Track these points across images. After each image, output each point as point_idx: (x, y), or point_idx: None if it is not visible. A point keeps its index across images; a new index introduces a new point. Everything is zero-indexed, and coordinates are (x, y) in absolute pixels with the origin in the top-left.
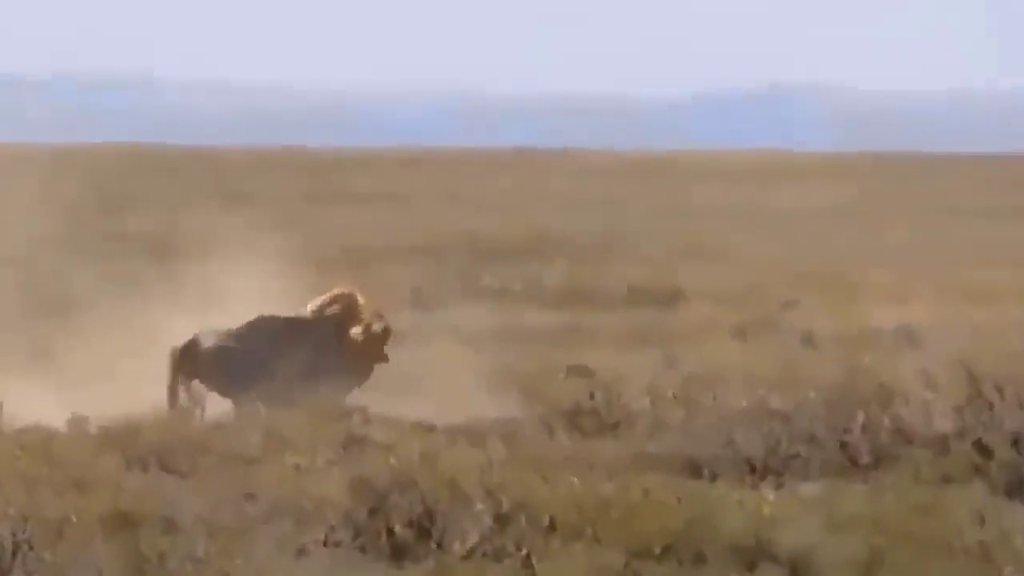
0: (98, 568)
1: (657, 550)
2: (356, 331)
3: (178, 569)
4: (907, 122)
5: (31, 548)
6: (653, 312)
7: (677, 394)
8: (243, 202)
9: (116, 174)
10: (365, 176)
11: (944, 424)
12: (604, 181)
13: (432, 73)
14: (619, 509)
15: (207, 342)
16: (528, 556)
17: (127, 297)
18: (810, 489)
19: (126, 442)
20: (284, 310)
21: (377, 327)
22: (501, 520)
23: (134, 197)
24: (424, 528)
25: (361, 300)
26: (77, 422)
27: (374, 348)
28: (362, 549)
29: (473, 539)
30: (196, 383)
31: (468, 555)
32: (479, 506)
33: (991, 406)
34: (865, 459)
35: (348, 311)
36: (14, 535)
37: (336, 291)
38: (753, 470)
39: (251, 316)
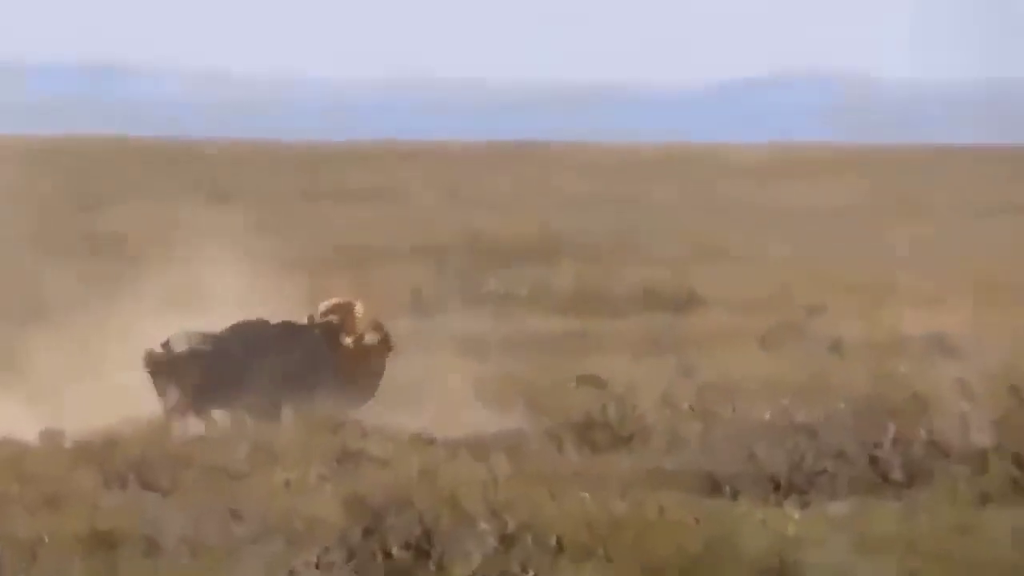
0: None
1: (673, 573)
2: (348, 341)
3: None
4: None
5: (1, 571)
6: (668, 317)
7: (694, 405)
8: (229, 199)
9: (91, 168)
10: (360, 171)
11: (982, 438)
12: (615, 176)
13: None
14: (632, 529)
15: (180, 346)
16: None
17: (104, 300)
18: (838, 508)
19: (103, 456)
20: (273, 315)
21: (371, 338)
22: (506, 540)
23: (111, 193)
24: (423, 549)
25: (359, 309)
26: (50, 435)
27: (370, 361)
28: (356, 572)
29: (476, 561)
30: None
31: None
32: (482, 525)
33: None
34: (897, 475)
35: (343, 320)
36: None
37: (336, 300)
38: (777, 487)
39: (236, 321)
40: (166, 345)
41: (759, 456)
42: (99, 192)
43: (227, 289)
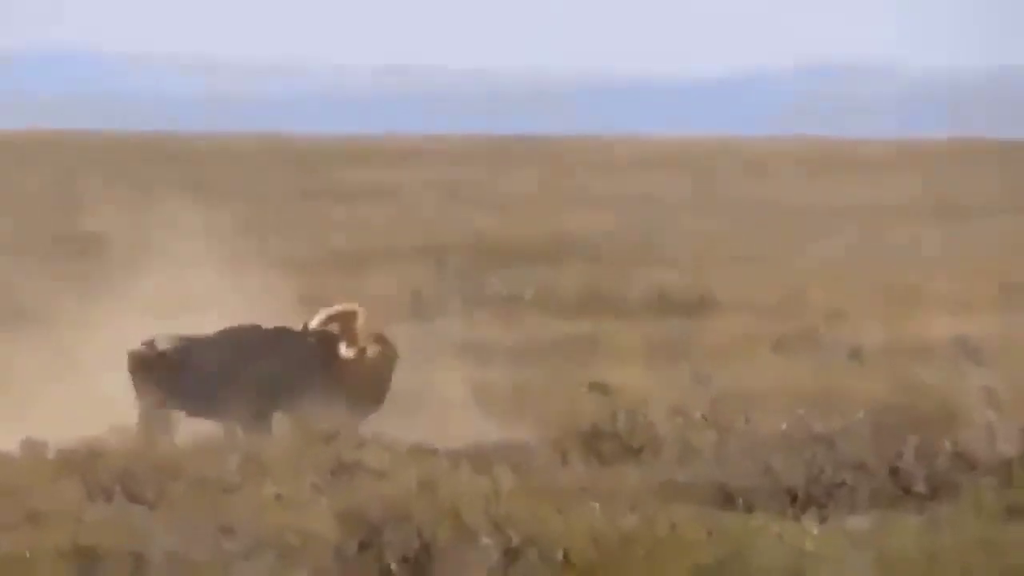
0: None
1: None
2: (347, 352)
3: None
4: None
5: None
6: (681, 322)
7: (708, 415)
8: (218, 197)
9: (71, 165)
10: (357, 168)
11: (1009, 448)
12: (625, 173)
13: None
14: (643, 544)
15: (164, 347)
16: None
17: (86, 304)
18: (858, 522)
19: (87, 467)
20: (265, 320)
21: (374, 350)
22: (509, 556)
23: (92, 191)
24: (422, 565)
25: (362, 319)
26: (31, 446)
27: (372, 375)
28: None
29: None
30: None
31: None
32: (484, 540)
33: None
34: (920, 488)
35: (344, 330)
36: None
37: (337, 308)
38: (794, 500)
39: (226, 326)
40: (149, 345)
41: (775, 468)
42: (78, 190)
43: (216, 292)
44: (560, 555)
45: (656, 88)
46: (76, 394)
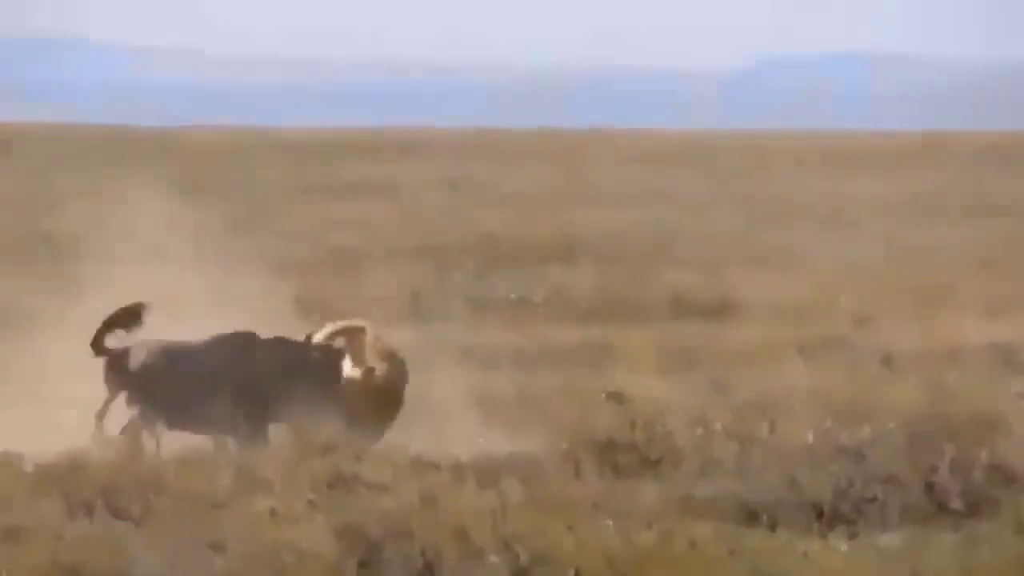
0: None
1: None
2: (354, 371)
3: None
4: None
5: None
6: (701, 327)
7: (729, 426)
8: (206, 194)
9: (47, 160)
10: (354, 162)
11: None
12: (641, 168)
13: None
14: (660, 563)
15: (140, 353)
16: None
17: (64, 308)
18: (889, 539)
19: (67, 482)
20: (257, 324)
21: (382, 371)
22: (517, 575)
23: (70, 188)
24: None
25: (370, 335)
26: (7, 459)
27: (381, 398)
28: None
29: None
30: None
31: None
32: (491, 559)
33: None
34: (955, 503)
35: (352, 346)
36: None
37: (344, 323)
38: (820, 516)
39: (217, 332)
40: (125, 351)
41: (801, 482)
42: (55, 187)
43: (206, 295)
44: (572, 575)
45: (670, 79)
46: (55, 403)
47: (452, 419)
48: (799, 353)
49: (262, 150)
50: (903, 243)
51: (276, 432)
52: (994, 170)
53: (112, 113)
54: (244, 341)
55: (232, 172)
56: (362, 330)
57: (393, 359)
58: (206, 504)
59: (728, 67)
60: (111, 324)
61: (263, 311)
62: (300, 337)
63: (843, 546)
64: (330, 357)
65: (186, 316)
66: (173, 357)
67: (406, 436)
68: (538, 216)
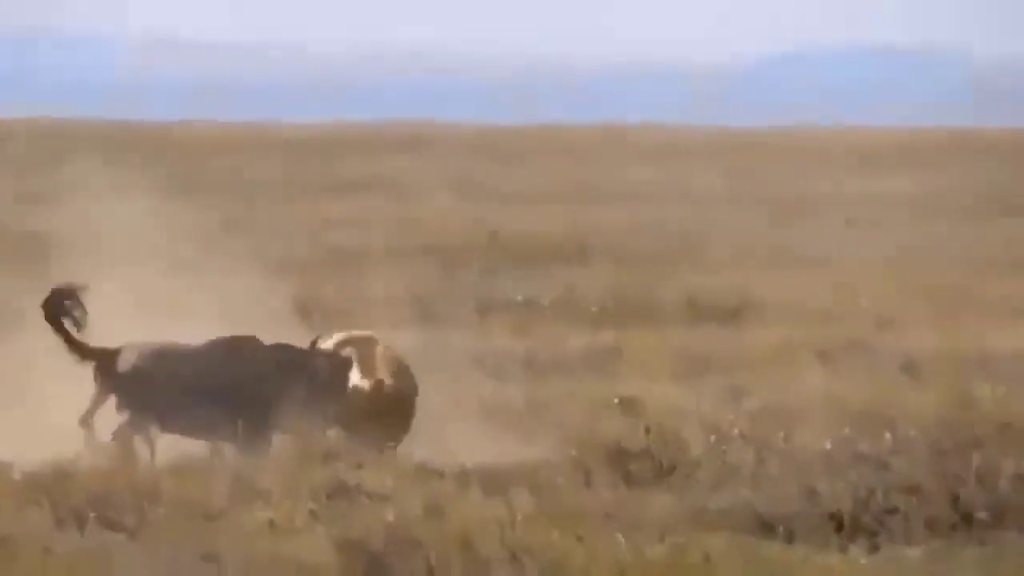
0: None
1: None
2: (362, 382)
3: None
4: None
5: None
6: (716, 331)
7: (746, 433)
8: (200, 191)
9: (33, 156)
10: (354, 158)
11: None
12: (656, 165)
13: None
14: (673, 575)
15: (130, 355)
16: None
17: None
18: (912, 553)
19: (56, 491)
20: (253, 328)
21: (391, 384)
22: None
23: (53, 186)
24: None
25: (380, 346)
26: None
27: (390, 412)
28: None
29: None
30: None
31: None
32: (498, 571)
33: None
34: (982, 515)
35: (362, 357)
36: None
37: (354, 332)
38: (840, 528)
39: (214, 335)
40: (114, 354)
41: (820, 492)
42: (40, 184)
43: (200, 297)
44: None
45: (686, 72)
46: (44, 408)
47: (457, 426)
48: (818, 357)
49: (259, 146)
50: (927, 243)
51: (275, 440)
52: (1020, 168)
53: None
54: (245, 345)
55: (228, 169)
56: (372, 341)
57: (402, 371)
58: (202, 514)
59: (746, 60)
60: (52, 319)
61: (260, 313)
62: (303, 342)
63: (863, 560)
64: (336, 365)
65: (181, 318)
66: (168, 359)
67: (410, 443)
68: (547, 215)
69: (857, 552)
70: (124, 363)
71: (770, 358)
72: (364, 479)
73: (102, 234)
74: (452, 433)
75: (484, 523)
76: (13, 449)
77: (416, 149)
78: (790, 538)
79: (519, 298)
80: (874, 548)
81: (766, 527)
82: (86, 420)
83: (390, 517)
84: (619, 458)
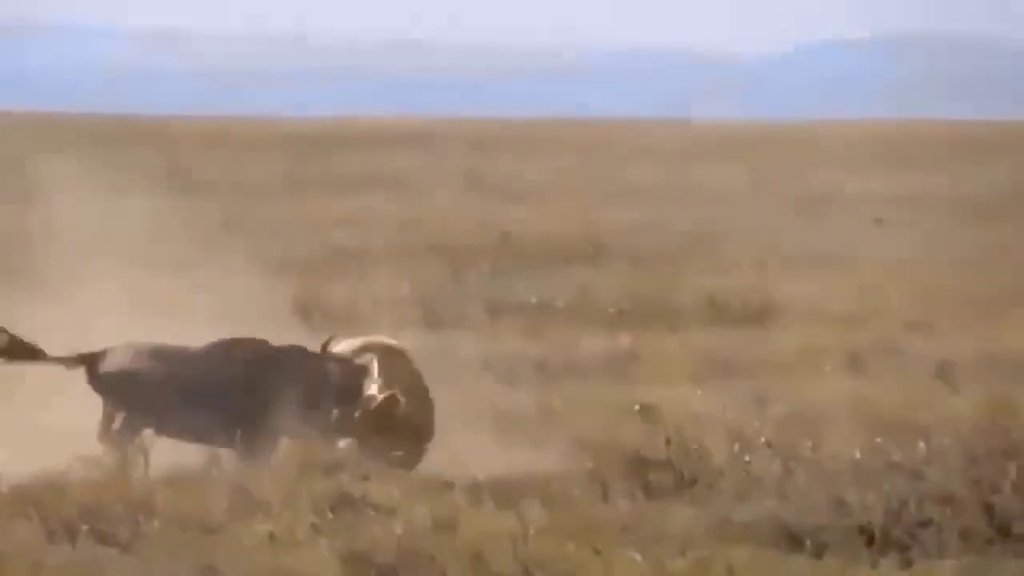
0: None
1: None
2: (377, 395)
3: None
4: None
5: None
6: (739, 333)
7: (771, 441)
8: (197, 188)
9: (27, 151)
10: (359, 155)
11: None
12: (675, 161)
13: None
14: None
15: (116, 356)
16: None
17: (43, 312)
18: (946, 567)
19: (47, 504)
20: (253, 331)
21: (406, 399)
22: None
23: (51, 181)
24: None
25: (405, 358)
26: None
27: (402, 429)
28: None
29: None
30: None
31: None
32: None
33: None
34: (1019, 527)
35: (383, 366)
36: None
37: (373, 338)
38: (871, 541)
39: (210, 336)
40: (99, 355)
41: (849, 503)
42: (29, 181)
43: (195, 298)
44: None
45: (706, 64)
46: (32, 417)
47: (467, 435)
48: (846, 361)
49: (258, 140)
50: (960, 241)
51: (280, 448)
52: None
53: (95, 101)
54: (249, 347)
55: (227, 165)
56: (395, 350)
57: (420, 389)
58: (199, 527)
59: (767, 50)
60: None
61: (260, 315)
62: (304, 345)
63: (895, 574)
64: (349, 372)
65: (178, 319)
66: (163, 360)
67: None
68: (560, 213)
69: (888, 566)
70: (110, 364)
71: (796, 362)
72: (370, 491)
73: (96, 233)
74: (461, 442)
75: (496, 537)
76: (1, 460)
77: (423, 144)
78: (818, 552)
79: (531, 300)
80: (906, 563)
81: (793, 540)
82: (102, 436)
83: (398, 530)
84: (638, 468)
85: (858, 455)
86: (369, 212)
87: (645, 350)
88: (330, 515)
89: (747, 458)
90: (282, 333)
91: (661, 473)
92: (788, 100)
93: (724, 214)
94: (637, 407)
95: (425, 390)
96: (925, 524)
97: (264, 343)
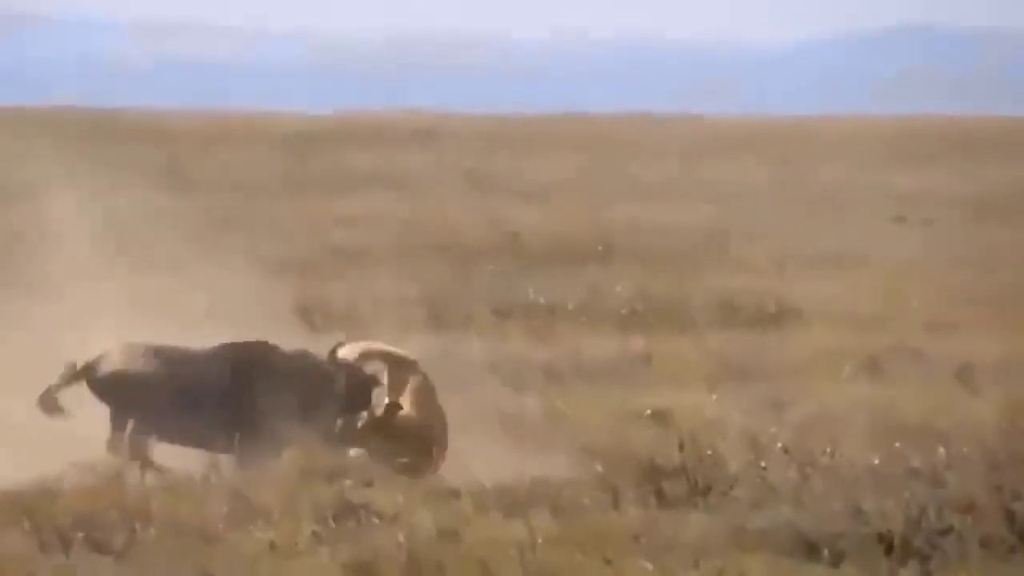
0: None
1: None
2: (380, 405)
3: None
4: None
5: None
6: (755, 336)
7: (787, 447)
8: (193, 185)
9: (15, 147)
10: (361, 152)
11: None
12: (688, 158)
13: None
14: None
15: (112, 359)
16: None
17: (35, 315)
18: None
19: (40, 511)
20: (253, 332)
21: (411, 412)
22: None
23: (42, 178)
24: None
25: (416, 371)
26: None
27: (409, 443)
28: None
29: None
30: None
31: None
32: None
33: None
34: None
35: (392, 377)
36: None
37: (381, 347)
38: (890, 550)
39: (209, 342)
40: (95, 360)
41: (867, 511)
42: (18, 178)
43: (192, 300)
44: None
45: (721, 57)
46: (25, 421)
47: (473, 440)
48: (865, 365)
49: (257, 137)
50: (982, 241)
51: (283, 454)
52: None
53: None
54: (253, 350)
55: (226, 162)
56: (406, 361)
57: (430, 404)
58: (197, 535)
59: (783, 43)
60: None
61: (259, 315)
62: (304, 346)
63: None
64: (357, 381)
65: (176, 319)
66: (162, 362)
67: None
68: (569, 211)
69: (908, 575)
70: (107, 367)
71: (813, 365)
72: (373, 498)
73: (93, 232)
74: (467, 448)
75: (502, 546)
76: None
77: (427, 140)
78: (836, 561)
79: (540, 301)
80: (927, 572)
81: (810, 549)
82: (113, 447)
83: (401, 539)
84: (650, 475)
85: (877, 461)
86: (372, 210)
87: (657, 353)
88: (332, 523)
89: (763, 464)
90: (282, 334)
91: (674, 480)
92: (800, 95)
93: (738, 212)
94: (649, 412)
95: (437, 405)
96: (945, 532)
97: (268, 346)
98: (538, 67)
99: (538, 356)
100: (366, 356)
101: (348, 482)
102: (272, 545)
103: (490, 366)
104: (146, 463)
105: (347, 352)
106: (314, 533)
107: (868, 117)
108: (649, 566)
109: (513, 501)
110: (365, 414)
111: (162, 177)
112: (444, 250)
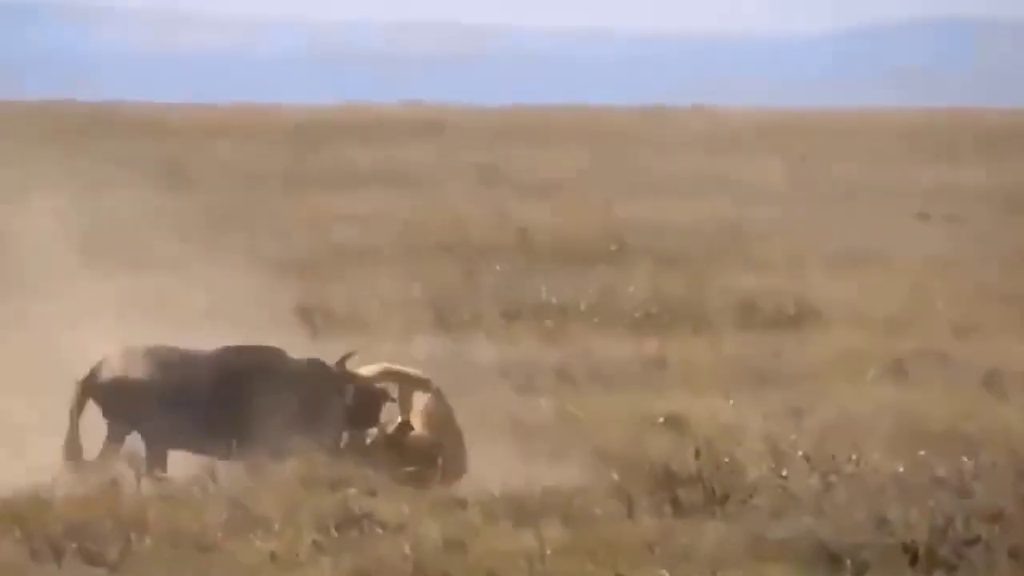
0: None
1: None
2: (389, 423)
3: None
4: None
5: None
6: (774, 339)
7: (808, 455)
8: (191, 181)
9: (7, 142)
10: (364, 146)
11: None
12: (704, 153)
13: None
14: None
15: (114, 365)
16: None
17: (26, 318)
18: None
19: (32, 520)
20: (249, 335)
21: (423, 432)
22: None
23: (35, 175)
24: None
25: (430, 393)
26: None
27: (419, 459)
28: None
29: None
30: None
31: None
32: None
33: None
34: None
35: (402, 397)
36: None
37: (397, 367)
38: (915, 561)
39: (209, 343)
40: (97, 365)
41: (891, 520)
42: (9, 175)
43: (190, 300)
44: None
45: (736, 48)
46: (16, 428)
47: (481, 447)
48: (888, 369)
49: (256, 131)
50: (1011, 241)
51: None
52: None
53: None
54: (255, 355)
55: (225, 157)
56: (422, 381)
57: (446, 422)
58: (194, 545)
59: (804, 35)
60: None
61: (258, 315)
62: (306, 347)
63: None
64: (367, 395)
65: (173, 319)
66: (164, 364)
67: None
68: (581, 208)
69: None
70: (106, 373)
71: (835, 369)
72: (377, 508)
73: (80, 232)
74: (475, 455)
75: (511, 557)
76: None
77: (433, 135)
78: (859, 572)
79: (552, 302)
80: None
81: (832, 560)
82: (106, 452)
83: (406, 549)
84: (665, 483)
85: (901, 469)
86: (374, 207)
87: (672, 356)
88: (334, 532)
89: (783, 472)
90: (282, 334)
91: (690, 488)
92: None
93: (757, 211)
94: (664, 418)
95: (455, 426)
96: (972, 542)
97: (274, 351)
98: (547, 58)
99: (549, 359)
100: (384, 378)
101: (351, 491)
102: (272, 555)
103: (500, 369)
104: (159, 479)
105: (364, 371)
106: (315, 543)
107: (888, 109)
108: (665, 574)
109: (523, 510)
110: (375, 431)
111: (160, 174)
112: (450, 248)
